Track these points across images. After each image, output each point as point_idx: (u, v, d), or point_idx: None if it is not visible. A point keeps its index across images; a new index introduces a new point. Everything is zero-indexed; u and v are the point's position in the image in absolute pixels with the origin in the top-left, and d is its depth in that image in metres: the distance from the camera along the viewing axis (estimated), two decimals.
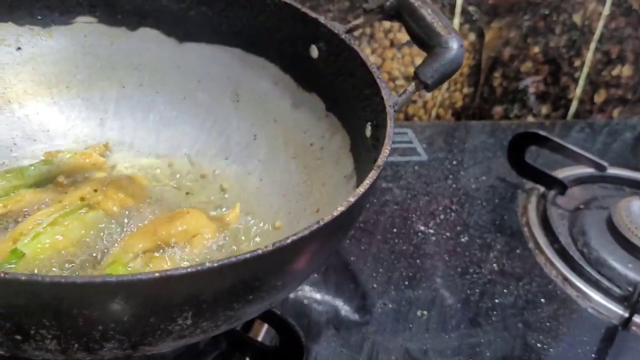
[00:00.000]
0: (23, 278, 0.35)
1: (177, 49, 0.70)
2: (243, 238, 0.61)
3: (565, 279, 0.74)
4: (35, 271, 0.50)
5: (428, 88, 0.55)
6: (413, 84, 0.56)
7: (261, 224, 0.62)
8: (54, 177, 0.61)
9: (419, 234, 0.78)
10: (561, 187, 0.84)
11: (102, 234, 0.55)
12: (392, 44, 0.95)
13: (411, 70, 0.97)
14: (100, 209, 0.57)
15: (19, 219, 0.55)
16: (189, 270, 0.37)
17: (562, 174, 0.87)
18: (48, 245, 0.52)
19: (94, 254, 0.53)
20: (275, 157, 0.67)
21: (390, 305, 0.68)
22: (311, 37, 0.64)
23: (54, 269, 0.51)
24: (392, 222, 0.78)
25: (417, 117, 1.03)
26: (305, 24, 0.64)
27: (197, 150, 0.69)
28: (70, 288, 0.35)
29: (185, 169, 0.68)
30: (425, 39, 0.57)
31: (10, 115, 0.66)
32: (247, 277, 0.40)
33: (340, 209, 0.43)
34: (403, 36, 0.95)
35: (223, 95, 0.70)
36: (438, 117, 1.05)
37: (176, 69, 0.70)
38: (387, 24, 0.93)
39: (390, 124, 0.52)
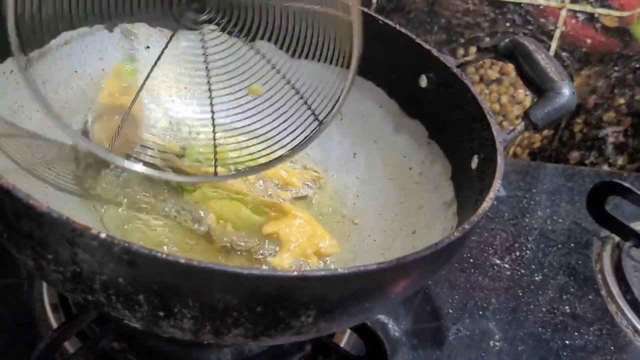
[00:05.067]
0: (182, 261, 0.38)
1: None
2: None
3: (636, 330, 0.75)
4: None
5: (537, 129, 0.58)
6: (522, 123, 0.59)
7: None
8: None
9: (495, 267, 0.80)
10: (637, 239, 0.85)
11: None
12: (481, 80, 0.98)
13: (497, 107, 1.00)
14: None
15: None
16: (324, 273, 0.41)
17: (639, 226, 0.88)
18: None
19: None
20: (373, 176, 0.70)
21: (464, 332, 0.70)
22: (422, 67, 0.67)
23: None
24: (469, 252, 0.80)
25: None
26: (418, 55, 0.67)
27: (297, 161, 0.73)
28: (220, 275, 0.39)
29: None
30: (537, 82, 0.60)
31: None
32: (370, 286, 0.43)
33: (457, 234, 0.46)
34: (493, 73, 0.97)
35: None
36: (514, 155, 1.06)
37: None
38: None
39: (500, 159, 0.55)
